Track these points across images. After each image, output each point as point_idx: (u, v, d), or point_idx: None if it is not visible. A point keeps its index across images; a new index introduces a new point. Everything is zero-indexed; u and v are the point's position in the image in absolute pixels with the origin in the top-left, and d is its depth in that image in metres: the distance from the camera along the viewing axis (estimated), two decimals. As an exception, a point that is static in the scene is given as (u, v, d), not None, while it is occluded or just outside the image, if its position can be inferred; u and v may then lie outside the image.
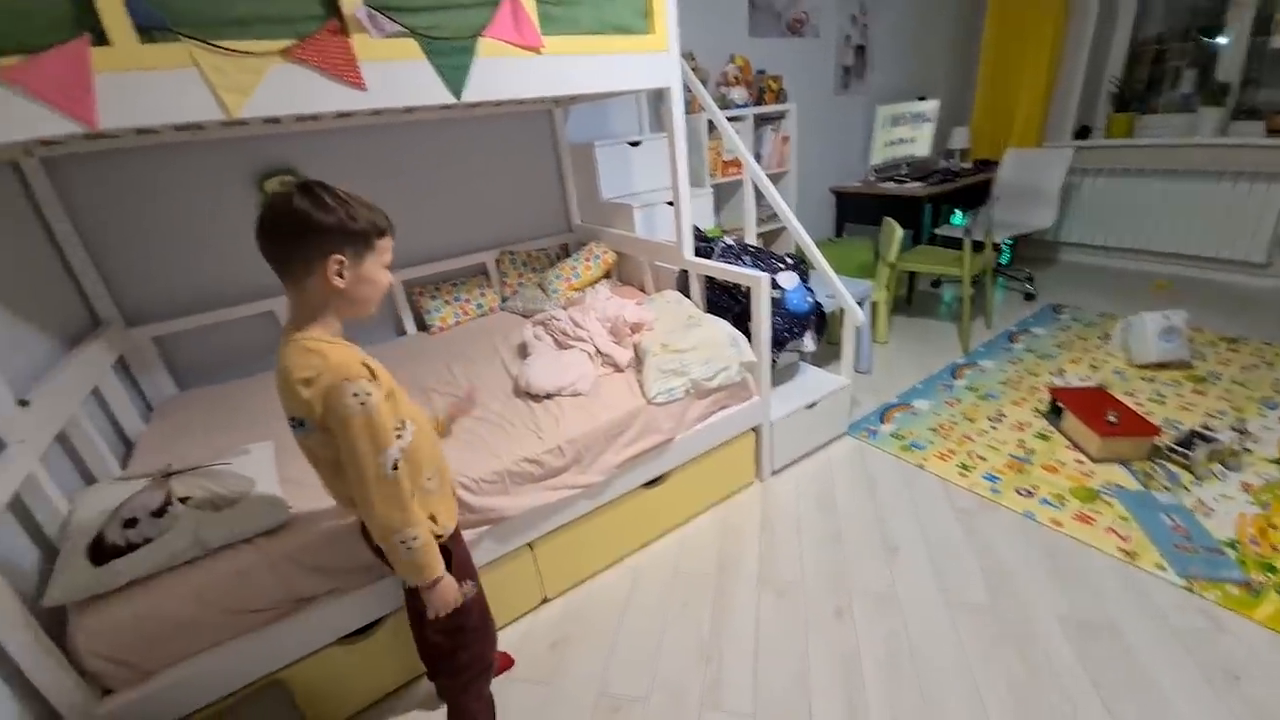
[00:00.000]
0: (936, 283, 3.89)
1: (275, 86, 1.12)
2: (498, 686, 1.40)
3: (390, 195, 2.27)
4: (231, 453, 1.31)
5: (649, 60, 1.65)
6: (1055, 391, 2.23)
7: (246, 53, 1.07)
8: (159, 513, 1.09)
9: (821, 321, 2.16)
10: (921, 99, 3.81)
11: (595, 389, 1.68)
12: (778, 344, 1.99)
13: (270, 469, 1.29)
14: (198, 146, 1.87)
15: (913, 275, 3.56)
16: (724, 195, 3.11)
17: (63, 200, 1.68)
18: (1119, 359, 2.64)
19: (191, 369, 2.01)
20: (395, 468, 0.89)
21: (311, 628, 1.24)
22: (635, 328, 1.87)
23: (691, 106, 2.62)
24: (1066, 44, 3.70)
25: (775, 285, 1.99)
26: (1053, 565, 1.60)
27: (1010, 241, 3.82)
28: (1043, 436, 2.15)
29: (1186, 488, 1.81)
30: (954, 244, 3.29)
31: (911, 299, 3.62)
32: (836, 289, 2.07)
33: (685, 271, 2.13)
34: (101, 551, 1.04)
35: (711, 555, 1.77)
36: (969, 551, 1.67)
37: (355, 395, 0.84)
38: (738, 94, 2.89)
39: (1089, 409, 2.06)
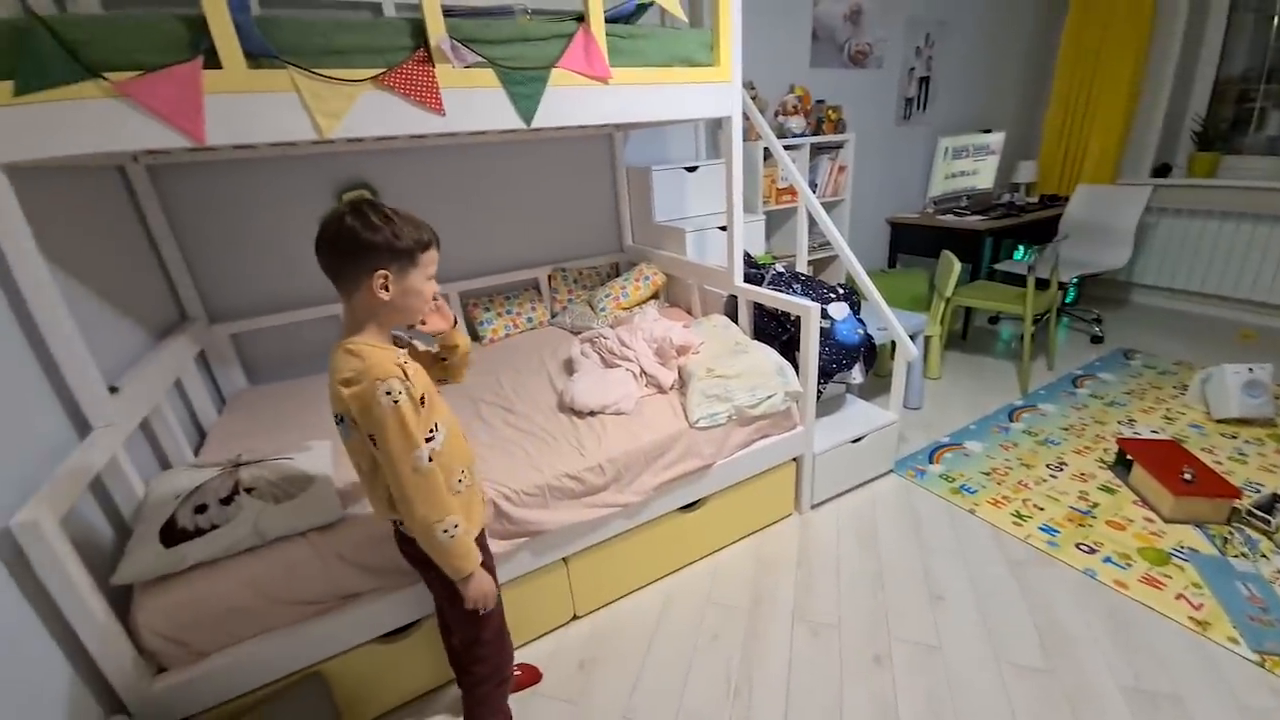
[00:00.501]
0: (995, 319, 3.74)
1: (364, 110, 1.20)
2: (523, 700, 1.41)
3: (454, 211, 2.37)
4: (294, 448, 1.38)
5: (712, 90, 1.68)
6: (1124, 442, 2.10)
7: (342, 80, 1.16)
8: (226, 500, 1.16)
9: (871, 354, 2.11)
10: (986, 131, 3.72)
11: (638, 409, 1.69)
12: (825, 375, 1.95)
13: (328, 466, 1.35)
14: (286, 161, 2.01)
15: (969, 311, 3.44)
16: (776, 222, 3.10)
17: (162, 204, 1.83)
18: (1197, 412, 2.47)
19: (262, 365, 2.14)
20: (430, 460, 0.94)
21: (353, 624, 1.28)
22: (681, 350, 1.88)
23: (749, 134, 2.65)
24: (1146, 80, 3.55)
25: (825, 315, 1.97)
26: (1115, 629, 1.49)
27: (1077, 280, 3.65)
28: (1108, 490, 2.02)
29: (1266, 556, 1.67)
30: (1015, 280, 3.17)
31: (967, 335, 3.50)
32: (889, 321, 2.02)
33: (734, 297, 2.13)
34: (172, 534, 1.11)
35: (745, 586, 1.73)
36: (1022, 607, 1.58)
37: (388, 394, 0.88)
38: (795, 123, 2.90)
39: (1162, 464, 1.93)
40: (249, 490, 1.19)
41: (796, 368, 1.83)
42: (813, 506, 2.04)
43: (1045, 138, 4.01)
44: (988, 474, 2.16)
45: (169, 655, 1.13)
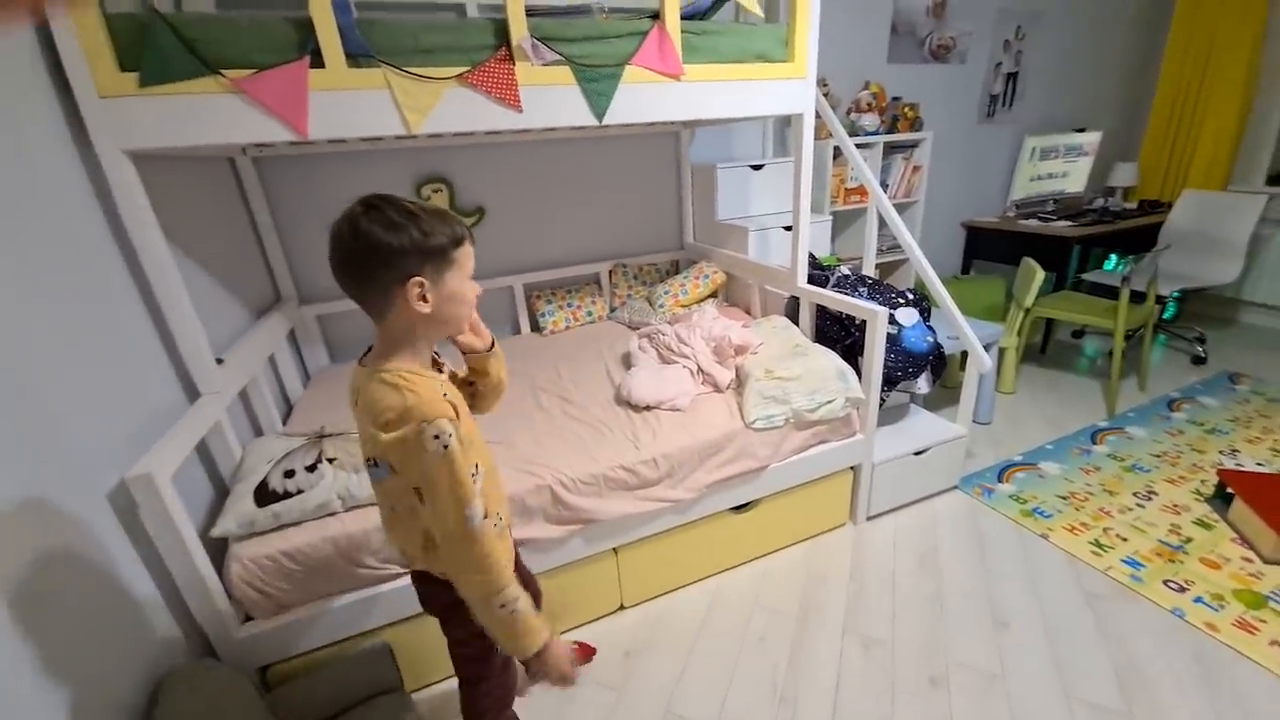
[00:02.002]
0: (1079, 333, 3.49)
1: (448, 107, 1.27)
2: (537, 685, 1.44)
3: (522, 204, 2.45)
4: (369, 424, 1.47)
5: (785, 87, 1.66)
6: (1225, 474, 1.91)
7: (430, 77, 1.22)
8: (311, 468, 1.25)
9: (940, 363, 2.02)
10: (1079, 130, 3.46)
11: (694, 407, 1.70)
12: (889, 382, 1.89)
13: (399, 443, 1.43)
14: (372, 155, 2.14)
15: (1050, 323, 3.22)
16: (843, 223, 3.01)
17: (265, 193, 2.00)
18: (1316, 446, 2.21)
19: (343, 345, 2.30)
20: (486, 516, 0.81)
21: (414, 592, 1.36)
22: (739, 350, 1.86)
23: (819, 132, 2.58)
24: (1262, 77, 3.20)
25: (892, 320, 1.90)
26: (1202, 674, 1.37)
27: (1179, 295, 3.34)
28: (1204, 524, 1.85)
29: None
30: (1105, 292, 2.94)
31: (1047, 348, 3.28)
32: (961, 330, 1.93)
33: (795, 298, 2.09)
34: (264, 495, 1.21)
35: (795, 593, 1.70)
36: (1098, 643, 1.47)
37: (436, 438, 0.74)
38: (869, 120, 2.80)
39: (1268, 500, 1.74)
40: (331, 460, 1.28)
41: (859, 373, 1.78)
42: (869, 518, 1.98)
43: (1147, 139, 3.69)
44: (1065, 498, 2.02)
45: (255, 605, 1.23)
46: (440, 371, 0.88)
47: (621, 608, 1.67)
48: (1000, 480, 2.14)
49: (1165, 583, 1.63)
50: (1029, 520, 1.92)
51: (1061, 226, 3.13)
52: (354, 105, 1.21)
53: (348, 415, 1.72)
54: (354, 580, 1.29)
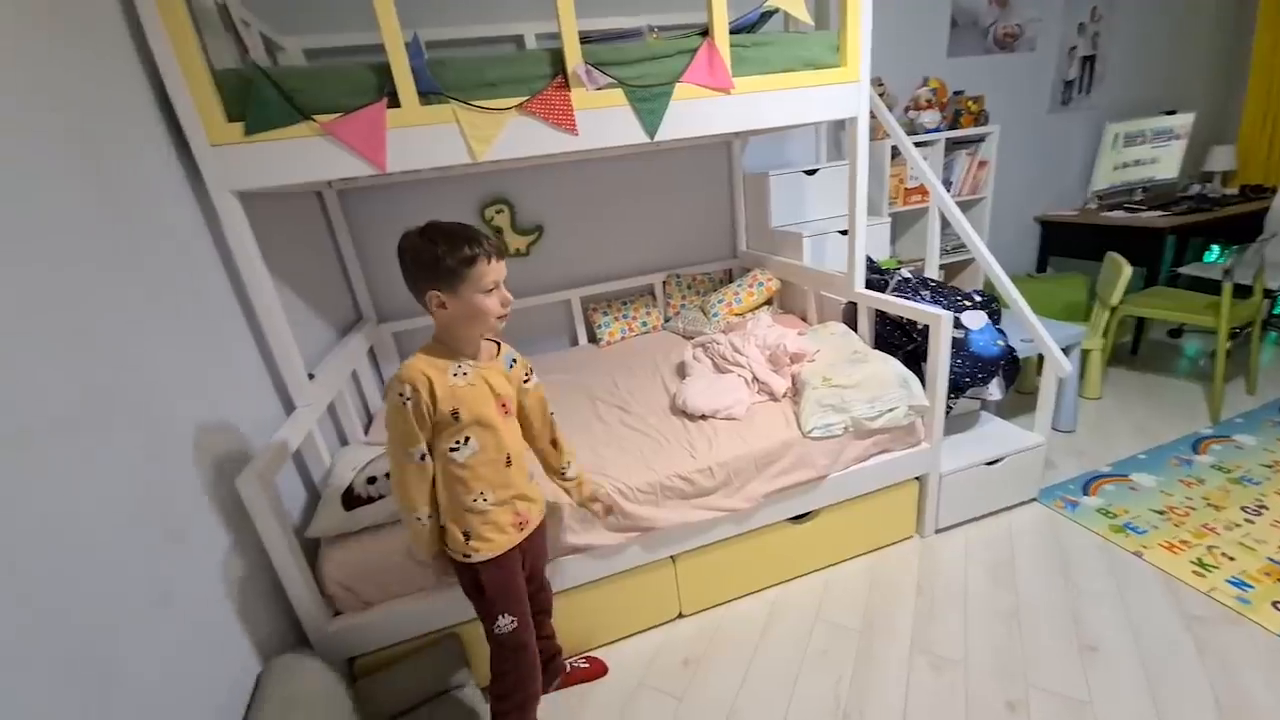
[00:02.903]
0: (1177, 332, 3.20)
1: (509, 135, 1.35)
2: (625, 690, 1.47)
3: (577, 221, 2.53)
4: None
5: (838, 92, 1.64)
6: (1356, 488, 1.71)
7: (493, 109, 1.31)
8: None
9: (1013, 368, 1.92)
10: (1169, 113, 3.20)
11: (750, 415, 1.69)
12: (956, 389, 1.81)
13: (467, 452, 1.52)
14: (440, 182, 2.29)
15: (1142, 322, 2.98)
16: (903, 224, 2.92)
17: (348, 221, 2.18)
18: None
19: (413, 359, 2.45)
20: (423, 459, 1.04)
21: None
22: (795, 358, 1.85)
23: (875, 133, 2.53)
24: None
25: (958, 324, 1.83)
26: (1329, 712, 1.23)
27: (1293, 288, 3.00)
28: (1330, 544, 1.66)
29: None
30: (1205, 287, 2.69)
31: (1138, 349, 3.03)
32: (1036, 332, 1.82)
33: (853, 304, 2.05)
34: (351, 500, 1.32)
35: (858, 606, 1.66)
36: (1199, 671, 1.35)
37: (400, 394, 0.99)
38: (929, 118, 2.71)
39: None
40: (407, 468, 1.38)
41: (923, 380, 1.72)
42: (938, 530, 1.90)
43: (1245, 119, 3.37)
44: (1161, 513, 1.86)
45: (343, 601, 1.34)
46: (497, 354, 1.14)
47: (680, 615, 1.69)
48: (1086, 493, 2.00)
49: (1275, 605, 1.47)
50: (1120, 536, 1.78)
51: (1151, 217, 2.89)
52: (426, 139, 1.31)
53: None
54: (430, 580, 1.38)
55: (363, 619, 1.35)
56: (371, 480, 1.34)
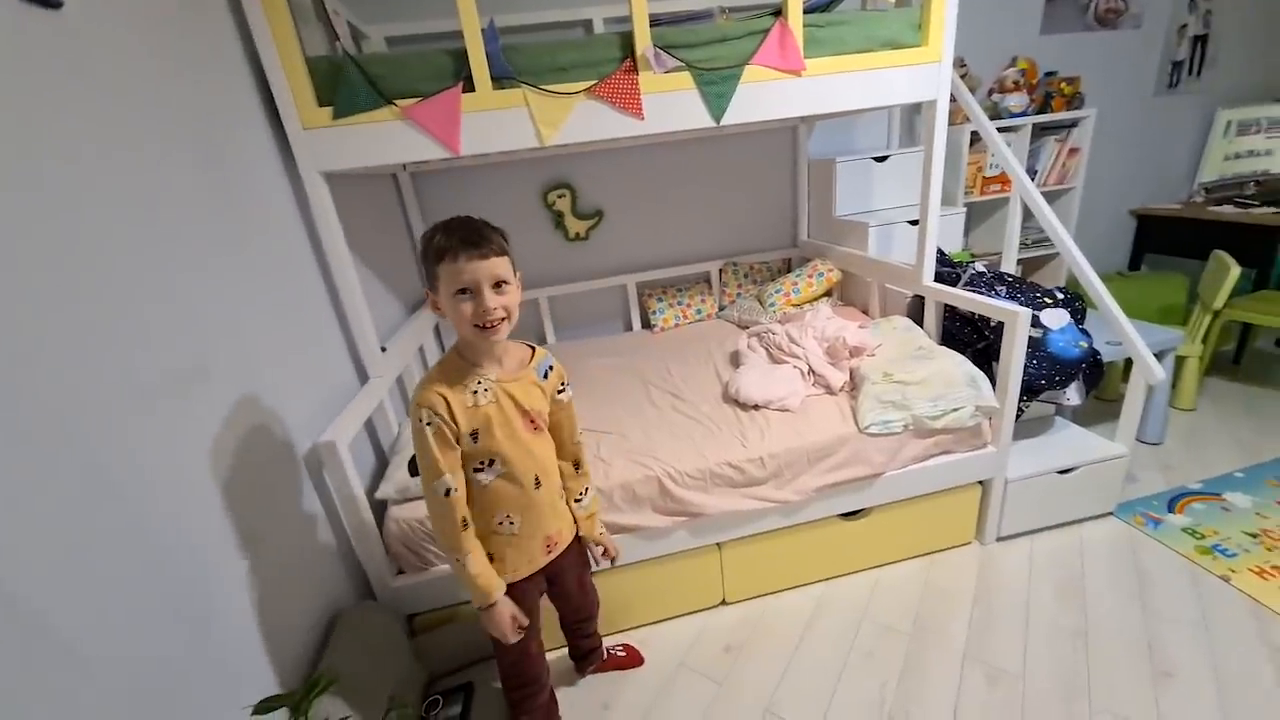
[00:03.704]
0: (1289, 342, 2.89)
1: (576, 119, 1.37)
2: (665, 672, 1.50)
3: (637, 205, 2.54)
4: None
5: (916, 73, 1.56)
6: None
7: (562, 93, 1.33)
8: (453, 446, 1.42)
9: (1096, 372, 1.79)
10: (1296, 98, 2.86)
11: (804, 408, 1.67)
12: (1030, 392, 1.71)
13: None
14: (507, 165, 2.35)
15: (1247, 328, 2.70)
16: (980, 215, 2.75)
17: (419, 202, 2.27)
18: None
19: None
20: (449, 493, 0.95)
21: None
22: (855, 351, 1.80)
23: (954, 117, 2.39)
24: None
25: (1036, 323, 1.72)
26: None
27: None
28: None
29: None
30: (1330, 293, 2.41)
31: (1241, 358, 2.76)
32: (1125, 334, 1.69)
33: (919, 298, 1.96)
34: (414, 466, 1.39)
35: (909, 609, 1.61)
36: (1289, 708, 1.24)
37: (420, 419, 0.93)
38: (1015, 101, 2.53)
39: None
40: (468, 439, 1.44)
41: (993, 380, 1.64)
42: (1000, 539, 1.81)
43: (1401, 101, 2.94)
44: (1255, 536, 1.70)
45: (405, 560, 1.43)
46: (529, 360, 1.05)
47: (724, 603, 1.70)
48: (1171, 510, 1.85)
49: (1398, 650, 1.33)
50: (1206, 558, 1.65)
51: (1265, 214, 2.60)
52: (497, 123, 1.35)
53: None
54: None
55: (422, 579, 1.43)
56: (436, 449, 1.41)
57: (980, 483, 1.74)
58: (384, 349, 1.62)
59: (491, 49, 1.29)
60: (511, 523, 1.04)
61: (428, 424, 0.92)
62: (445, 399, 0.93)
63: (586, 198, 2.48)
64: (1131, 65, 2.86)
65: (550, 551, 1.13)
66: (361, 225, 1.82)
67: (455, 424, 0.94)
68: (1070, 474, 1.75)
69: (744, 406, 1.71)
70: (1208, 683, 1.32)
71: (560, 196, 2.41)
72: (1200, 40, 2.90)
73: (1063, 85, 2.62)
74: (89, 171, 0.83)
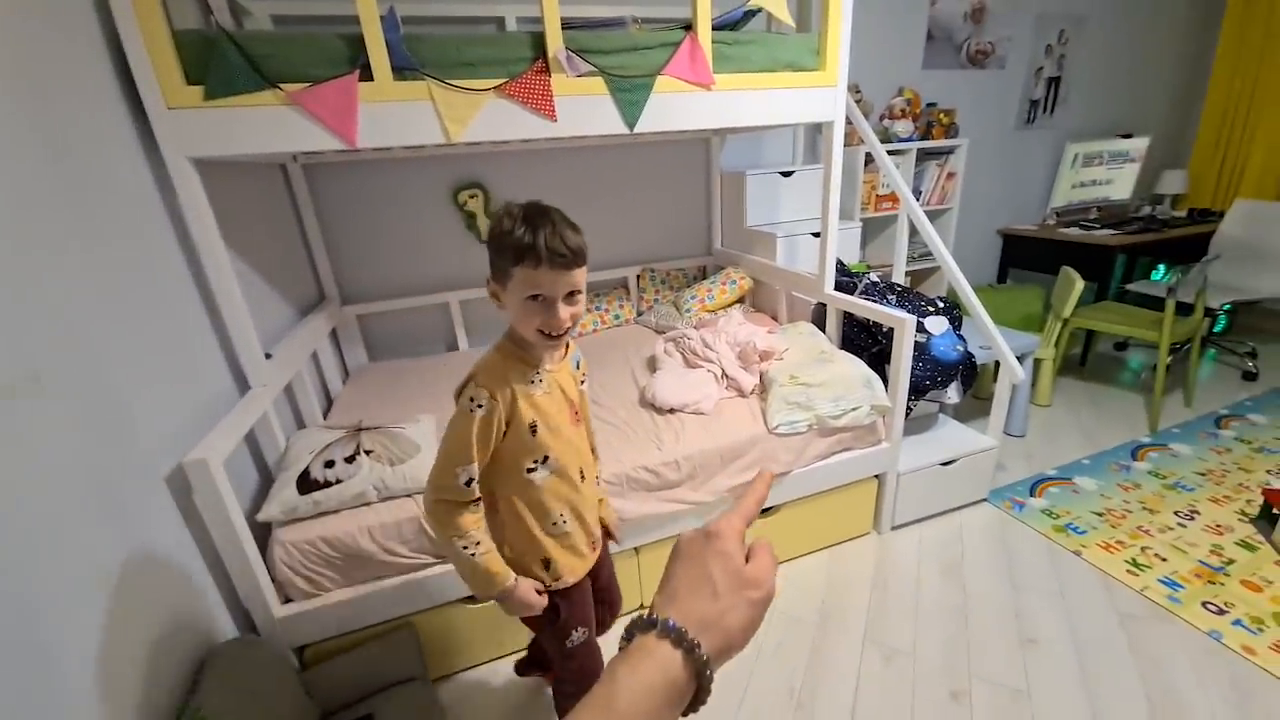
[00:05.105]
0: (1122, 345, 3.37)
1: (486, 117, 1.32)
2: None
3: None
4: (406, 419, 1.54)
5: (815, 95, 1.67)
6: (1271, 494, 1.83)
7: (470, 89, 1.28)
8: (350, 459, 1.32)
9: (971, 373, 1.99)
10: (1125, 136, 3.36)
11: (717, 410, 1.71)
12: (917, 391, 1.87)
13: (431, 438, 1.49)
14: (413, 162, 2.23)
15: (1091, 334, 3.12)
16: (874, 230, 2.99)
17: (313, 198, 2.10)
18: (1378, 470, 2.10)
19: (381, 344, 2.39)
20: (468, 484, 0.88)
21: (444, 583, 1.41)
22: (764, 355, 1.88)
23: (850, 139, 2.57)
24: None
25: (921, 329, 1.88)
26: (1238, 700, 1.32)
27: (1229, 308, 3.20)
28: (1247, 546, 1.77)
29: None
30: (1151, 303, 2.84)
31: (1086, 361, 3.18)
32: (993, 340, 1.90)
33: (822, 305, 2.09)
34: (306, 483, 1.28)
35: (815, 600, 1.70)
36: (1130, 665, 1.43)
37: (473, 399, 0.85)
38: (902, 127, 2.78)
39: (1324, 525, 1.66)
40: (368, 452, 1.34)
41: (885, 382, 1.77)
42: (893, 528, 1.96)
43: (1198, 145, 3.56)
44: (1100, 515, 1.96)
45: (293, 587, 1.30)
46: (565, 354, 0.98)
47: (642, 607, 1.70)
48: (1032, 494, 2.09)
49: (1204, 604, 1.57)
50: (1061, 536, 1.87)
51: (1104, 235, 3.03)
52: (399, 116, 1.27)
53: (384, 410, 1.80)
54: (386, 568, 1.35)
55: (314, 606, 1.31)
56: (329, 464, 1.30)
57: (876, 477, 1.87)
58: (269, 355, 1.48)
59: (391, 38, 1.22)
60: (564, 521, 0.99)
61: (480, 406, 0.85)
62: (511, 389, 0.88)
63: (501, 199, 2.41)
64: (997, 101, 3.23)
65: (595, 548, 1.10)
66: (244, 219, 1.65)
67: (510, 418, 0.89)
68: (951, 466, 1.93)
69: (660, 410, 1.73)
70: (1067, 647, 1.49)
71: (472, 197, 2.33)
72: (1054, 81, 3.33)
73: (941, 115, 2.91)
74: None
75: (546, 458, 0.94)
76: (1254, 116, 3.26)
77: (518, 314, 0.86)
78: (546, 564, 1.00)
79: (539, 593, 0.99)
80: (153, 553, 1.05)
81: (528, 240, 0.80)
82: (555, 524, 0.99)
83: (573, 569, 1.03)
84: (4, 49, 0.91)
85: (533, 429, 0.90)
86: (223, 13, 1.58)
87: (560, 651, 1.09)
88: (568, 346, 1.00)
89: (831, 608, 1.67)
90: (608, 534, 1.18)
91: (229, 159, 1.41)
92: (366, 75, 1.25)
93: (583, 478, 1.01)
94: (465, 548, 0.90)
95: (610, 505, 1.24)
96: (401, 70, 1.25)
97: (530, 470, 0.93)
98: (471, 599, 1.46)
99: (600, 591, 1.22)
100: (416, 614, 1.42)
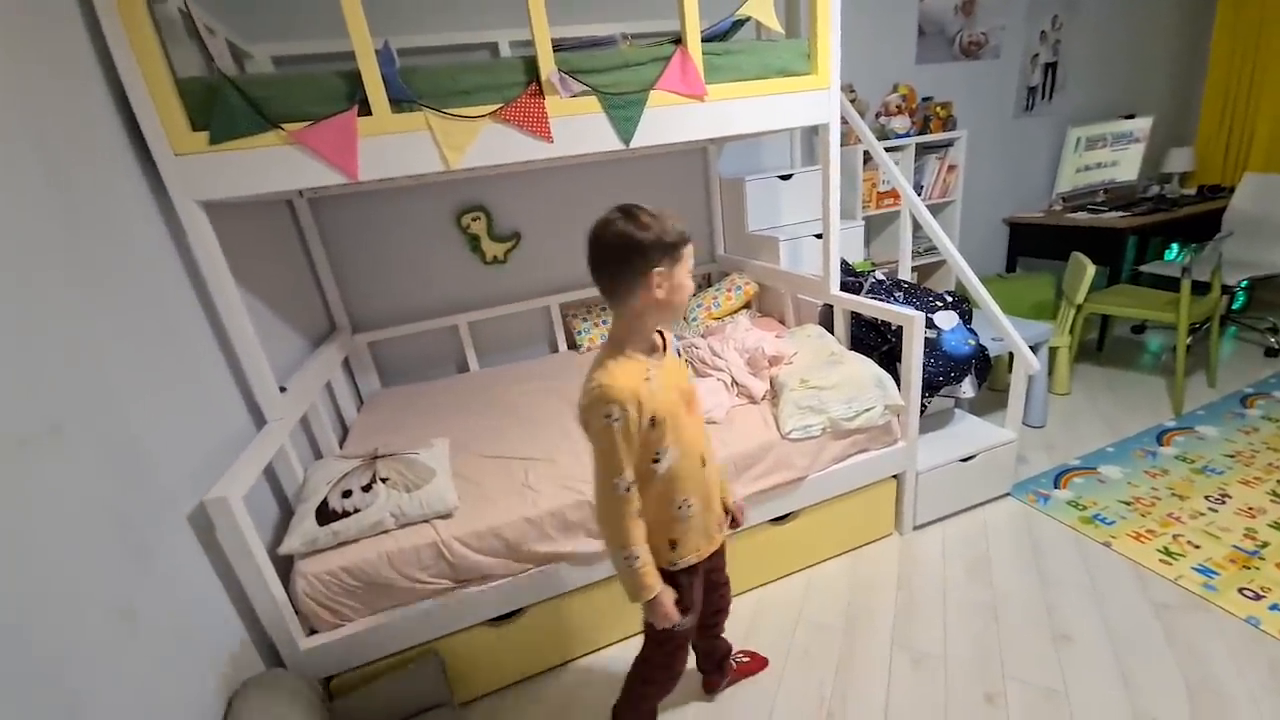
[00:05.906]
0: (1140, 329, 3.31)
1: (483, 143, 1.34)
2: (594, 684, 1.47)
3: (556, 227, 2.52)
4: (420, 444, 1.55)
5: (809, 99, 1.67)
6: (1309, 475, 1.78)
7: (466, 117, 1.30)
8: (367, 488, 1.33)
9: (984, 366, 1.96)
10: (1128, 117, 3.32)
11: (729, 419, 1.71)
12: (930, 388, 1.85)
13: (445, 462, 1.50)
14: (416, 190, 2.27)
15: (1106, 319, 3.07)
16: (876, 227, 2.97)
17: (320, 230, 2.14)
18: None
19: (392, 369, 2.42)
20: (628, 490, 0.95)
21: (468, 606, 1.41)
22: (773, 361, 1.87)
23: (848, 138, 2.57)
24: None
25: (930, 324, 1.87)
26: (1278, 686, 1.28)
27: (1246, 284, 3.13)
28: (1284, 529, 1.73)
29: None
30: (1166, 284, 2.79)
31: (1103, 346, 3.12)
32: (1005, 331, 1.87)
33: (829, 306, 2.08)
34: (325, 514, 1.29)
35: (840, 605, 1.68)
36: (1168, 656, 1.39)
37: (607, 415, 0.90)
38: (899, 123, 2.77)
39: (1363, 503, 1.61)
40: (384, 480, 1.35)
41: (898, 380, 1.75)
42: (915, 528, 1.93)
43: (1202, 122, 3.51)
44: (1129, 504, 1.92)
45: (318, 618, 1.31)
46: (664, 348, 1.02)
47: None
48: (1056, 486, 2.05)
49: (1240, 590, 1.53)
50: (1089, 528, 1.83)
51: (1113, 218, 2.99)
52: (398, 147, 1.30)
53: (399, 437, 1.82)
54: (408, 594, 1.36)
55: (339, 636, 1.32)
56: (347, 494, 1.32)
57: (894, 477, 1.85)
58: (284, 389, 1.50)
59: (387, 71, 1.24)
60: (690, 505, 1.05)
61: (615, 420, 0.91)
62: (637, 395, 0.92)
63: (503, 220, 2.44)
64: (994, 91, 3.22)
65: (721, 528, 1.15)
66: (254, 255, 1.68)
67: (640, 414, 0.93)
68: (971, 461, 1.90)
69: (671, 422, 1.72)
70: (1101, 642, 1.46)
71: (475, 219, 2.36)
72: (1051, 67, 3.31)
73: (938, 109, 2.90)
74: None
75: (669, 448, 0.99)
76: (1257, 88, 3.21)
77: (683, 294, 0.94)
78: (673, 545, 1.06)
79: (667, 567, 1.05)
80: (177, 592, 1.06)
81: (677, 227, 0.92)
82: (680, 508, 1.04)
83: (697, 548, 1.09)
84: (18, 110, 0.94)
85: (653, 423, 0.96)
86: (224, 58, 1.62)
87: (658, 636, 1.12)
88: (664, 338, 1.06)
89: (857, 612, 1.64)
90: (730, 517, 1.22)
91: (236, 200, 1.44)
92: (365, 109, 1.27)
93: (704, 463, 1.06)
94: (627, 558, 0.98)
95: (731, 488, 1.26)
96: (399, 102, 1.27)
97: (655, 461, 0.98)
98: (493, 621, 1.46)
99: (710, 586, 1.24)
100: (440, 639, 1.42)
